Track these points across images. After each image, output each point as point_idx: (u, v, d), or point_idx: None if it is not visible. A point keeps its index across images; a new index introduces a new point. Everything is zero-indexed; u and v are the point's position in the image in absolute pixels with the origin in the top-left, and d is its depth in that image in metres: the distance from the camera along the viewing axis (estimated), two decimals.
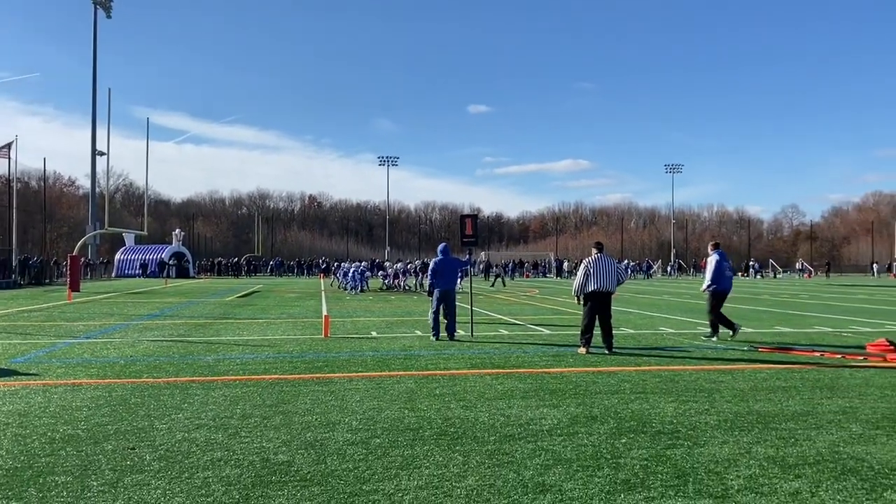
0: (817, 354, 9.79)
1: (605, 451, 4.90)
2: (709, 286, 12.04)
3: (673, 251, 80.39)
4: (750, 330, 13.48)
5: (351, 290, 30.02)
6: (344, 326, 14.23)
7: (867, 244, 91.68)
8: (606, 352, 9.97)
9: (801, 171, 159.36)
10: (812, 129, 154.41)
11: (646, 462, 4.61)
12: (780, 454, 4.79)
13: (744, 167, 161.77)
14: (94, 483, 4.20)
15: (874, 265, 67.94)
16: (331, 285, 33.62)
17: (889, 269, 67.17)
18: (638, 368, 8.62)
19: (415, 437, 5.30)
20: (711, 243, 12.73)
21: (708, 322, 12.23)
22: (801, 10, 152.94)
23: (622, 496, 3.96)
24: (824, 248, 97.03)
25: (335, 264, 36.58)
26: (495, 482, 4.22)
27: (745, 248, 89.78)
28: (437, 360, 9.40)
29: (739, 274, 62.24)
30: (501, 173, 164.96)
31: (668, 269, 68.37)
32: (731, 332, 11.77)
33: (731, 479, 4.24)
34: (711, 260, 12.24)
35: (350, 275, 30.87)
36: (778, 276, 64.45)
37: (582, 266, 10.46)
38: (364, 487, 4.15)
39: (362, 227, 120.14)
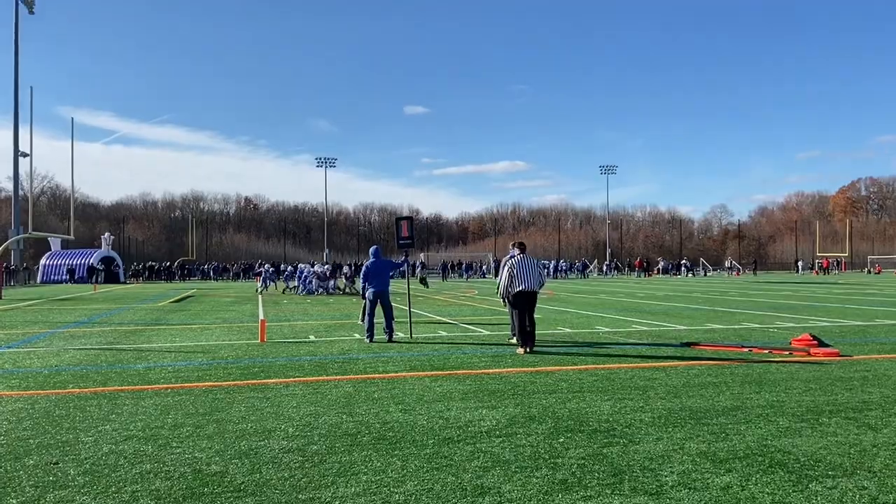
0: (746, 350, 10.15)
1: (543, 451, 4.93)
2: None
3: (608, 251, 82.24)
4: (682, 328, 13.88)
5: (303, 292, 29.76)
6: (281, 331, 13.97)
7: (791, 242, 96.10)
8: (526, 350, 10.15)
9: (729, 172, 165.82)
10: (738, 132, 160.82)
11: (583, 461, 4.67)
12: (711, 449, 4.92)
13: (675, 168, 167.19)
14: (14, 501, 3.97)
15: (798, 262, 71.17)
16: (258, 291, 32.52)
17: (812, 267, 70.47)
18: (575, 367, 8.74)
19: (353, 443, 5.22)
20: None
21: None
22: (726, 14, 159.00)
23: (560, 496, 3.99)
24: (751, 247, 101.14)
25: (266, 267, 35.62)
26: (434, 486, 4.20)
27: (677, 247, 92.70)
28: (376, 363, 9.32)
29: (672, 273, 64.15)
30: (439, 174, 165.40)
31: (605, 268, 69.88)
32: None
33: (666, 476, 4.33)
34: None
35: (303, 277, 30.59)
36: (708, 273, 66.74)
37: (506, 267, 10.60)
38: (300, 496, 4.05)
39: (300, 229, 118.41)
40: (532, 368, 8.69)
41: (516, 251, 10.76)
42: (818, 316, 16.42)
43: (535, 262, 10.80)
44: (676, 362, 9.05)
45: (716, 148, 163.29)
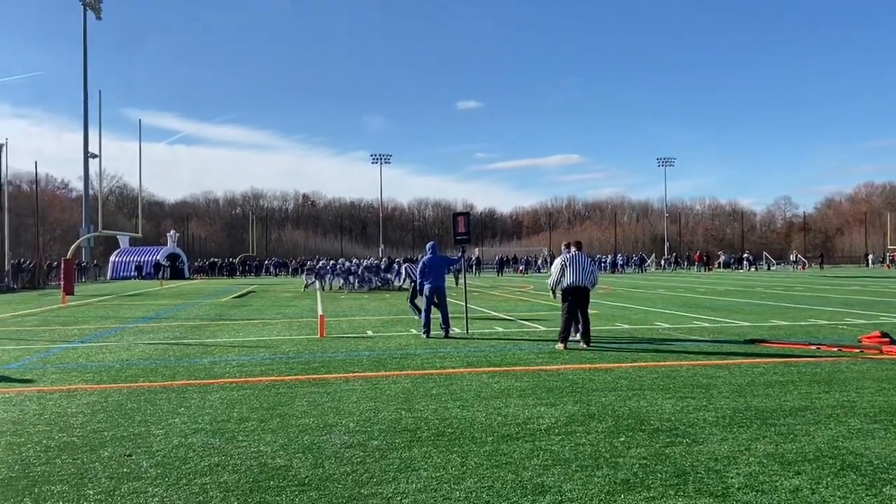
0: (813, 347, 9.81)
1: (603, 450, 4.89)
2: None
3: (666, 244, 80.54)
4: (746, 324, 13.51)
5: (357, 288, 30.01)
6: (339, 326, 14.19)
7: (860, 235, 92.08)
8: (584, 347, 10.05)
9: (793, 163, 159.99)
10: (802, 122, 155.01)
11: (645, 461, 4.60)
12: (779, 451, 4.79)
13: (736, 160, 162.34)
14: (91, 492, 4.16)
15: (869, 256, 68.16)
16: (304, 289, 31.46)
17: (883, 260, 67.48)
18: (634, 365, 8.61)
19: (412, 439, 5.28)
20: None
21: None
22: (792, 7, 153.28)
23: (622, 496, 3.95)
24: (818, 240, 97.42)
25: (313, 263, 35.51)
26: (494, 484, 4.21)
27: (738, 241, 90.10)
28: (433, 359, 9.38)
29: (734, 267, 62.43)
30: (493, 169, 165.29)
31: (663, 262, 68.49)
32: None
33: (732, 478, 4.23)
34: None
35: (358, 273, 30.85)
36: (772, 268, 64.68)
37: (558, 262, 10.55)
38: (362, 491, 4.12)
39: (356, 225, 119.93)
40: (590, 365, 8.61)
41: (572, 248, 10.70)
42: (890, 312, 15.73)
43: (590, 260, 10.75)
44: (740, 360, 8.82)
45: (779, 138, 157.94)
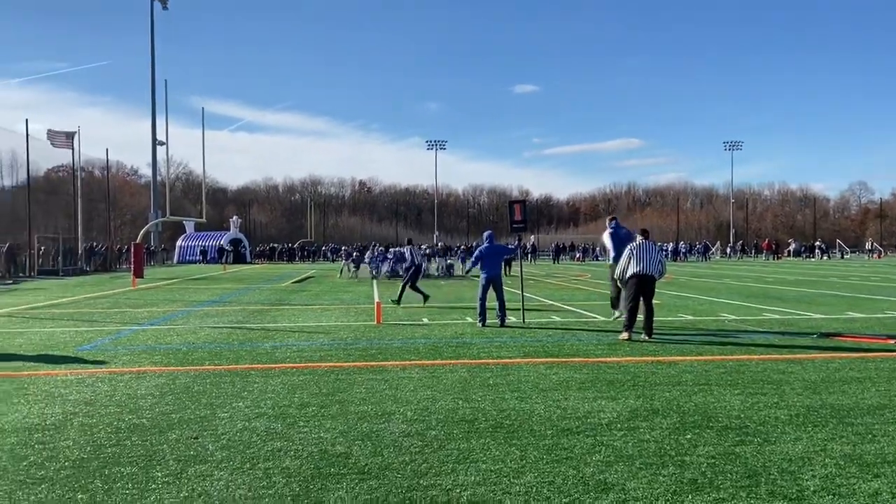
0: (892, 342, 9.33)
1: (668, 447, 4.73)
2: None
3: (732, 231, 78.16)
4: (818, 316, 12.97)
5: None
6: (395, 313, 14.27)
7: None
8: (646, 337, 9.79)
9: (869, 146, 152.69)
10: (879, 102, 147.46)
11: (713, 460, 4.44)
12: (857, 452, 4.54)
13: (808, 143, 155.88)
14: (159, 474, 4.27)
15: None
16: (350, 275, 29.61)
17: None
18: (699, 358, 8.36)
19: (470, 430, 5.24)
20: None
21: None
22: None
23: (689, 497, 3.81)
24: (895, 227, 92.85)
25: (349, 249, 34.69)
26: (555, 479, 4.12)
27: (809, 228, 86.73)
28: (490, 349, 9.32)
29: (805, 256, 60.15)
30: (550, 154, 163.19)
31: (728, 250, 66.54)
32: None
33: (807, 480, 4.04)
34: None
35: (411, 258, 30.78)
36: (845, 256, 62.04)
37: (626, 251, 10.31)
38: (421, 482, 4.10)
39: (411, 211, 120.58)
40: (653, 358, 8.39)
41: (639, 237, 10.44)
42: None
43: (657, 248, 10.46)
44: (813, 354, 8.45)
45: (853, 122, 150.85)
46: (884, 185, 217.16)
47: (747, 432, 5.07)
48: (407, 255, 17.24)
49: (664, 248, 57.54)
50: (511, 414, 5.70)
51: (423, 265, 30.74)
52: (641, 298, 9.97)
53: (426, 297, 16.27)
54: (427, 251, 33.60)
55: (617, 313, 12.01)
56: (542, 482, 4.07)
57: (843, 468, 4.22)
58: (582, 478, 4.14)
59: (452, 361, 8.30)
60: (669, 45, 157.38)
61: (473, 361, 8.30)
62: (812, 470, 4.21)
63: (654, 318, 10.26)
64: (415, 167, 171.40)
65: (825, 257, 57.38)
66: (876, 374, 7.13)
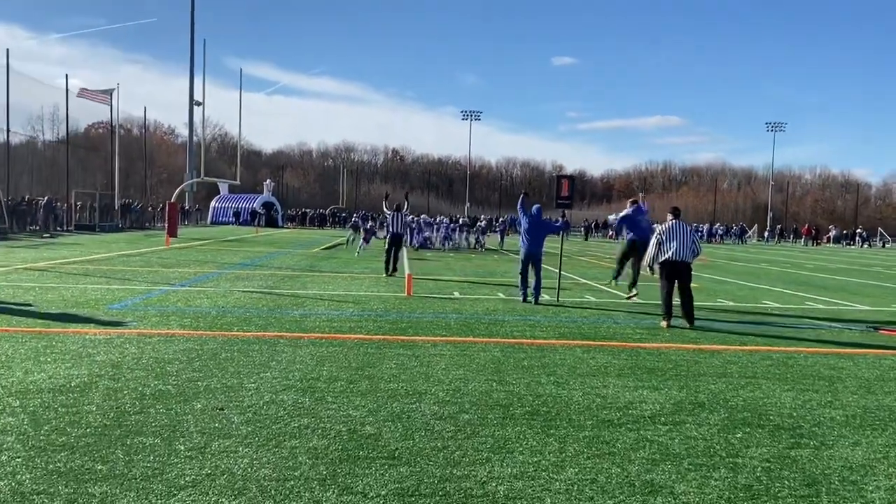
0: None
1: (718, 447, 4.44)
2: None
3: (769, 215, 76.35)
4: (865, 307, 12.43)
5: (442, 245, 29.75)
6: (426, 285, 14.06)
7: None
8: (688, 326, 9.28)
9: None
10: None
11: (768, 464, 4.13)
12: None
13: (851, 128, 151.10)
14: (182, 447, 4.11)
15: None
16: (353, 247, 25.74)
17: None
18: (744, 348, 7.99)
19: (505, 415, 4.99)
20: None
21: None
22: None
23: None
24: None
25: (357, 216, 33.06)
26: (597, 477, 3.86)
27: (850, 215, 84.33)
28: (524, 328, 9.05)
29: (845, 243, 58.52)
30: (585, 129, 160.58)
31: (766, 234, 65.03)
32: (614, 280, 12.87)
33: (871, 491, 3.72)
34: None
35: (443, 231, 30.55)
36: (887, 245, 60.22)
37: (654, 236, 9.77)
38: (455, 472, 3.87)
39: (443, 181, 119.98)
40: (694, 346, 8.04)
41: (669, 216, 9.87)
42: None
43: (690, 228, 9.81)
44: (865, 350, 8.03)
45: None
46: None
47: (802, 434, 4.74)
48: (390, 220, 16.21)
49: (699, 229, 56.40)
50: (548, 400, 5.44)
51: (407, 234, 29.20)
52: (677, 284, 9.47)
53: (392, 270, 15.75)
54: (460, 222, 33.30)
55: (616, 283, 12.97)
56: (584, 480, 3.81)
57: None
58: (627, 477, 3.87)
59: (485, 340, 8.06)
60: (713, 21, 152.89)
61: (507, 340, 8.05)
62: (876, 480, 3.89)
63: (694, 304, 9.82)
64: (448, 137, 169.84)
65: (866, 245, 55.74)
66: None
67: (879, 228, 65.48)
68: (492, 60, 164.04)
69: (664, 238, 9.56)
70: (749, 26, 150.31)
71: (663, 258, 9.51)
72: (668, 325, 9.28)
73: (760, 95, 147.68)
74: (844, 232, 62.58)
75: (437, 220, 34.41)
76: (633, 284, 12.45)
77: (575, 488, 3.69)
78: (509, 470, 3.93)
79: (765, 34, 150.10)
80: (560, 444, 4.39)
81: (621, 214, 12.92)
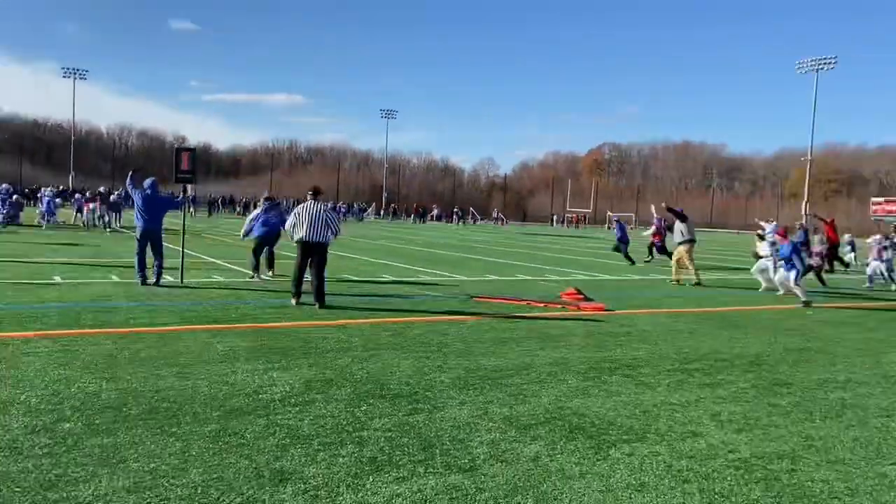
0: (525, 303, 10.60)
1: (346, 422, 4.54)
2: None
3: (384, 195, 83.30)
4: (464, 278, 14.25)
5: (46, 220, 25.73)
6: (16, 270, 11.86)
7: (548, 197, 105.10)
8: (316, 307, 9.20)
9: (498, 126, 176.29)
10: (511, 90, 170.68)
11: (390, 433, 4.36)
12: (514, 413, 4.89)
13: (451, 119, 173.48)
14: None
15: (554, 217, 77.99)
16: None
17: (563, 221, 77.84)
18: (368, 321, 8.44)
19: (117, 418, 4.39)
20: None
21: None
22: None
23: (371, 478, 3.64)
24: (514, 200, 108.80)
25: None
26: (224, 473, 3.61)
27: (449, 196, 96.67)
28: (142, 314, 8.20)
29: (445, 220, 66.81)
30: (210, 100, 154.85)
31: (382, 213, 70.71)
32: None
33: (476, 447, 4.17)
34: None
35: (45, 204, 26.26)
36: (477, 222, 70.59)
37: (292, 215, 9.76)
38: (49, 496, 3.24)
39: (40, 147, 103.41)
40: (322, 322, 8.22)
41: (309, 195, 9.89)
42: (577, 269, 17.87)
43: (327, 209, 9.80)
44: (466, 316, 9.14)
45: (488, 104, 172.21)
46: (508, 162, 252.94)
47: (418, 399, 5.14)
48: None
49: (337, 208, 58.67)
50: (170, 395, 4.96)
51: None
52: (310, 264, 9.52)
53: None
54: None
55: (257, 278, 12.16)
56: (209, 479, 3.52)
57: (505, 432, 4.48)
58: (256, 468, 3.69)
59: (94, 331, 7.06)
60: (335, 7, 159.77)
61: (121, 330, 7.18)
62: (479, 436, 4.39)
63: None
64: (47, 96, 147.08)
65: (461, 223, 64.56)
66: (517, 335, 7.94)
67: (471, 208, 76.50)
68: (99, 12, 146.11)
69: (298, 218, 9.50)
70: (365, 13, 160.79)
71: (297, 238, 9.47)
72: (298, 303, 9.33)
73: (377, 84, 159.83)
74: (444, 211, 71.56)
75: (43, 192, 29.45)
76: (257, 269, 12.15)
77: (199, 491, 3.38)
78: (121, 482, 3.43)
79: (380, 27, 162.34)
80: (183, 444, 4.00)
81: (250, 217, 13.22)
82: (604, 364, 6.63)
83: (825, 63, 62.74)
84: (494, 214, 75.97)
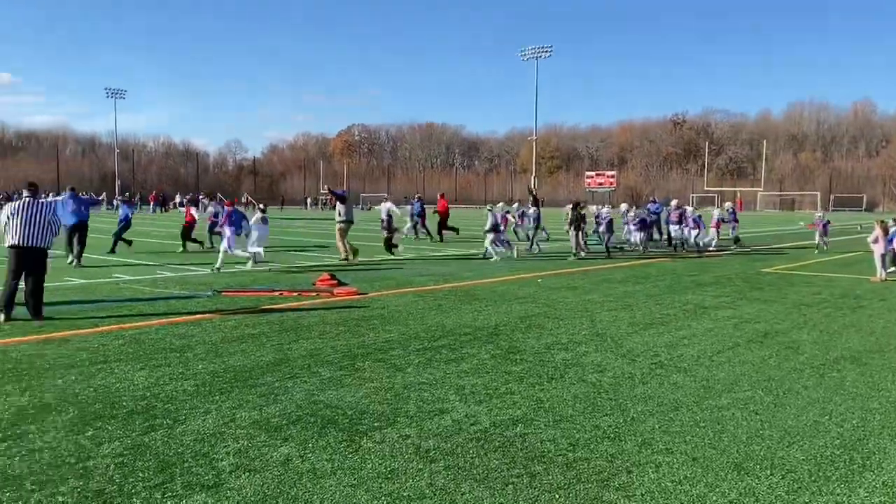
0: (276, 294, 10.31)
1: (66, 452, 4.00)
2: None
3: (118, 182, 75.64)
4: (208, 272, 13.44)
5: None
6: None
7: (301, 180, 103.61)
8: (34, 321, 8.00)
9: (244, 107, 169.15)
10: (251, 68, 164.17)
11: (122, 458, 3.94)
12: (264, 416, 4.71)
13: (190, 100, 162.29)
14: None
15: (307, 199, 77.04)
16: None
17: (316, 203, 77.39)
18: (96, 330, 7.55)
19: None
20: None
21: None
22: None
23: None
24: (266, 183, 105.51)
25: None
26: None
27: (193, 181, 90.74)
28: None
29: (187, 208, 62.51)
30: None
31: (115, 202, 64.02)
32: None
33: (221, 459, 3.94)
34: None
35: None
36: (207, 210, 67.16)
37: (5, 211, 8.40)
38: None
39: None
40: (39, 336, 7.19)
41: (25, 192, 8.43)
42: (329, 253, 17.82)
43: (47, 208, 8.38)
44: (212, 315, 8.61)
45: (229, 82, 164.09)
46: (257, 144, 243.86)
47: (156, 414, 4.72)
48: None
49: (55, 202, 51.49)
50: None
51: None
52: (24, 273, 8.13)
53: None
54: None
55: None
56: None
57: (254, 438, 4.29)
58: None
59: None
60: None
61: None
62: (226, 446, 4.15)
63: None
64: None
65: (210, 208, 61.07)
66: (269, 329, 7.67)
67: (218, 194, 72.64)
68: None
69: (10, 219, 8.11)
70: None
71: (10, 242, 8.09)
72: (8, 319, 7.99)
73: (100, 62, 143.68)
74: (186, 197, 67.02)
75: None
76: None
77: None
78: None
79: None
80: None
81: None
82: (357, 350, 6.70)
83: (543, 51, 69.52)
84: (243, 199, 72.93)
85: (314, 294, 10.39)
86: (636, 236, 19.72)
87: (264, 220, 15.36)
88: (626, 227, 20.84)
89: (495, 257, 16.26)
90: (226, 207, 15.75)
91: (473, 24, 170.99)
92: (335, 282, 11.26)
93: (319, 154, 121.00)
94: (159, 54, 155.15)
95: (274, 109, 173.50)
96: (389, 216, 19.38)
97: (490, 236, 16.67)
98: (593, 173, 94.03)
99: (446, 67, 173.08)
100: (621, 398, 5.22)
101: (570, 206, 18.60)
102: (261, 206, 16.17)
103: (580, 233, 17.56)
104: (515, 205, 20.06)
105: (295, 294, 10.30)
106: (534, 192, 23.61)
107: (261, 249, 14.67)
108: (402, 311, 8.91)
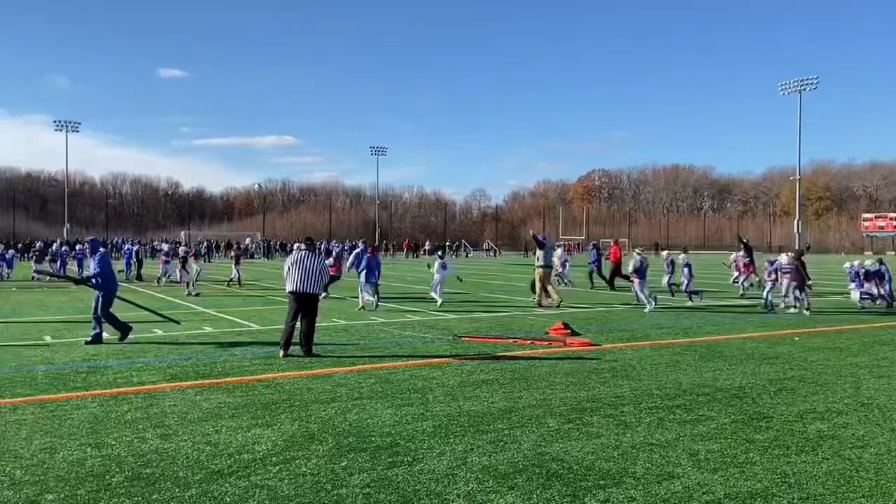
0: (511, 341, 10.68)
1: (324, 479, 4.60)
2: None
3: (377, 231, 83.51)
4: (452, 316, 14.31)
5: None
6: (7, 330, 11.90)
7: (541, 225, 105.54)
8: (305, 358, 9.17)
9: (488, 158, 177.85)
10: (499, 121, 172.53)
11: (368, 489, 4.42)
12: (492, 462, 4.95)
13: (440, 152, 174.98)
14: None
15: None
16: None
17: (562, 246, 78.05)
18: (353, 368, 8.50)
19: (99, 487, 4.44)
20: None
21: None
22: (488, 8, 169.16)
23: None
24: (506, 229, 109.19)
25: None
26: None
27: (441, 228, 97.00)
28: (129, 373, 8.25)
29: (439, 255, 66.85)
30: (202, 145, 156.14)
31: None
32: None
33: (452, 501, 4.23)
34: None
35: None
36: (469, 255, 70.77)
37: (287, 261, 9.89)
38: None
39: (34, 200, 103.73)
40: (308, 372, 8.28)
41: (303, 245, 10.00)
42: (568, 301, 17.91)
43: (319, 260, 9.82)
44: (450, 359, 9.20)
45: (478, 135, 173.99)
46: (499, 192, 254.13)
47: (398, 451, 5.20)
48: None
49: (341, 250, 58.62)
50: (152, 459, 5.01)
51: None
52: (301, 315, 9.52)
53: None
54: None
55: None
56: None
57: (482, 482, 4.54)
58: None
59: (81, 394, 7.11)
60: (325, 48, 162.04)
61: (108, 392, 7.22)
62: (457, 487, 4.45)
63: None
64: (39, 149, 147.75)
65: (454, 255, 64.71)
66: (501, 376, 8.01)
67: (463, 240, 76.77)
68: (88, 65, 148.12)
69: (291, 269, 9.62)
70: (350, 54, 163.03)
71: (289, 289, 9.56)
72: (286, 355, 9.33)
73: (365, 121, 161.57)
74: (437, 245, 71.74)
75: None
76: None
77: None
78: None
79: (367, 65, 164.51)
80: None
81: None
82: (586, 404, 6.71)
83: (807, 84, 63.63)
84: (485, 246, 76.13)
85: (546, 343, 10.57)
86: None
87: (443, 266, 16.80)
88: None
89: (648, 306, 15.42)
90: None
91: (723, 61, 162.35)
92: (568, 331, 11.34)
93: (559, 200, 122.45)
94: (415, 113, 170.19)
95: (515, 158, 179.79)
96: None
97: (636, 281, 15.89)
98: (872, 215, 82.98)
99: (694, 108, 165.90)
100: (884, 479, 4.61)
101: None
102: (439, 252, 18.93)
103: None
104: (682, 255, 18.36)
105: (528, 342, 10.57)
106: (745, 240, 21.37)
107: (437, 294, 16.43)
108: (636, 366, 8.71)
